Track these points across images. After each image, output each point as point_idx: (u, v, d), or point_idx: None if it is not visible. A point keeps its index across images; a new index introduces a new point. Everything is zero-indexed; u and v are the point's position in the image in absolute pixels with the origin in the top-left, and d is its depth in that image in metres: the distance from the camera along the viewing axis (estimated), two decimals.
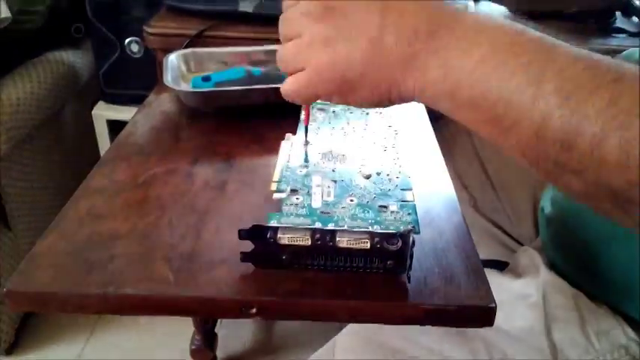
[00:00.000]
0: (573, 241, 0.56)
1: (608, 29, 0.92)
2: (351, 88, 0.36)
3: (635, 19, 0.95)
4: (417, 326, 0.36)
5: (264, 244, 0.36)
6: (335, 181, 0.45)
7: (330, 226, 0.39)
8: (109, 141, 1.26)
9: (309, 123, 0.52)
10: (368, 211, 0.42)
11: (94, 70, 1.28)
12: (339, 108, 0.59)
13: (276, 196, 0.44)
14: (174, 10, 0.92)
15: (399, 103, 0.36)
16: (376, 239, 0.36)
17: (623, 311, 0.52)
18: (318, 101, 0.39)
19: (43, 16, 1.14)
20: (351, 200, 0.43)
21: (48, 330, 1.19)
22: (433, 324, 0.36)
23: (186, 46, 0.76)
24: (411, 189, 0.45)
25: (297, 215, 0.41)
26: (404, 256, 0.36)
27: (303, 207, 0.42)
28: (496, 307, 0.35)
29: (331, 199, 0.43)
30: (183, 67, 0.67)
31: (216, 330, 1.09)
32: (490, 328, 0.36)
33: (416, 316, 0.36)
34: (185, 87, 0.63)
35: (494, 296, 0.36)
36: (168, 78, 0.61)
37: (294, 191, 0.44)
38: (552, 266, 0.58)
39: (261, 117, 0.58)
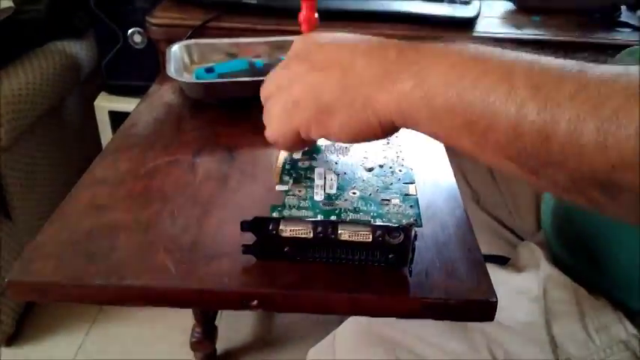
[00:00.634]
0: (577, 231, 0.56)
1: (613, 23, 0.91)
2: (328, 113, 0.37)
3: None
4: (418, 320, 0.36)
5: (265, 237, 0.36)
6: (337, 174, 0.45)
7: (332, 219, 0.39)
8: (112, 132, 1.26)
9: None
10: (370, 204, 0.42)
11: (96, 61, 1.28)
12: None
13: (278, 188, 0.44)
14: (178, 1, 0.92)
15: (380, 132, 0.36)
16: (378, 232, 0.36)
17: (624, 302, 0.52)
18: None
19: (46, 7, 1.13)
20: (354, 193, 0.43)
21: (48, 322, 1.19)
22: (434, 318, 0.36)
23: (189, 37, 0.76)
24: (413, 182, 0.45)
25: (299, 208, 0.41)
26: (405, 249, 0.36)
27: (305, 199, 0.42)
28: (497, 301, 0.35)
29: (333, 191, 0.43)
30: (186, 59, 0.67)
31: (216, 322, 1.09)
32: (490, 322, 0.36)
33: (417, 309, 0.36)
34: (188, 78, 0.63)
35: (495, 290, 0.36)
36: (171, 69, 0.61)
37: (296, 183, 0.44)
38: (554, 257, 0.58)
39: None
